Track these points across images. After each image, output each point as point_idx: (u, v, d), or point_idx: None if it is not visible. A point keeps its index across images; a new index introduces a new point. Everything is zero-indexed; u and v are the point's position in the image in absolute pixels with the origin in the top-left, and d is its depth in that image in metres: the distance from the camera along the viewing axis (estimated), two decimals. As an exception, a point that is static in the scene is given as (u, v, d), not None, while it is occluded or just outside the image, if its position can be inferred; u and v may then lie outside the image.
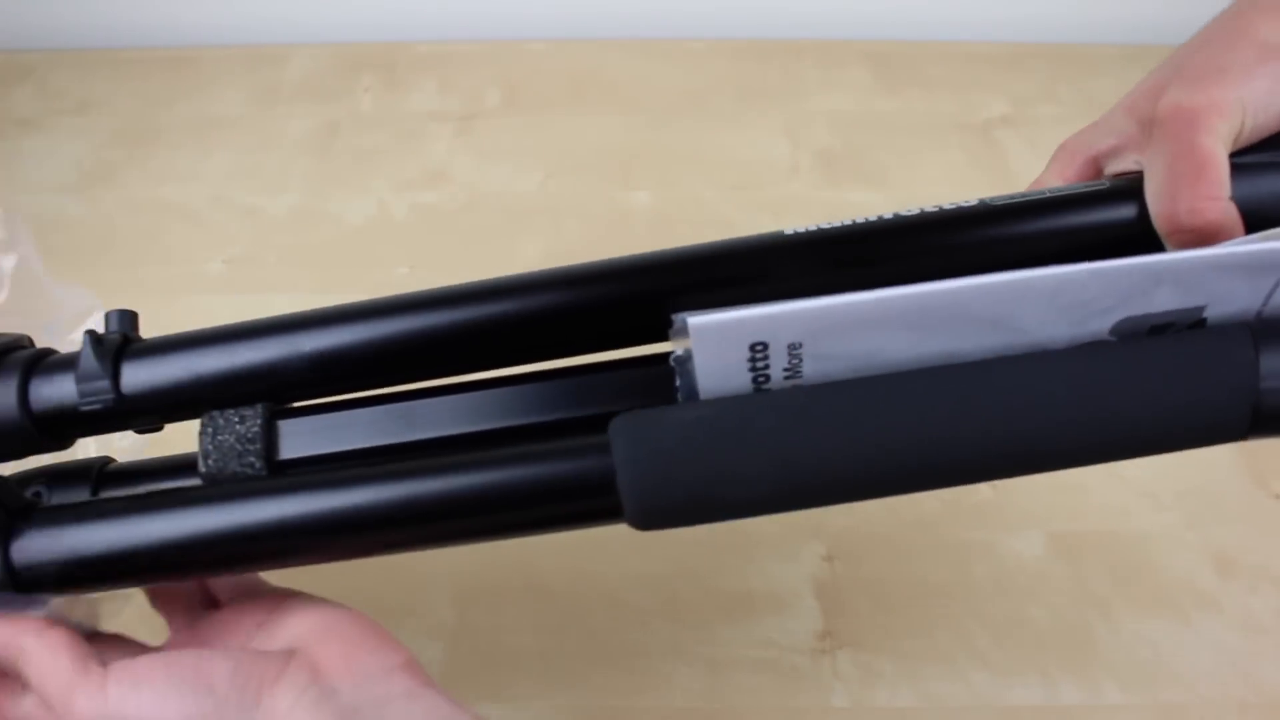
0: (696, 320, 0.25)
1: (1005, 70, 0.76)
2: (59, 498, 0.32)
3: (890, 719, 0.41)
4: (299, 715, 0.26)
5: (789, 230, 0.31)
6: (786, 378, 0.28)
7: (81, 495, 0.33)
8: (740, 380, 0.27)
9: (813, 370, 0.27)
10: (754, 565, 0.46)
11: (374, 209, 0.65)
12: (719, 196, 0.66)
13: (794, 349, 0.27)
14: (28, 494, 0.33)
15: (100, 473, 0.33)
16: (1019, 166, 0.68)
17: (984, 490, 0.48)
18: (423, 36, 0.80)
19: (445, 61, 0.77)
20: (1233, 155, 0.29)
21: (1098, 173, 0.33)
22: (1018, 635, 0.44)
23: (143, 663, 0.28)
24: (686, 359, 0.27)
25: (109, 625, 0.33)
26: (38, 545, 0.29)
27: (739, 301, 0.26)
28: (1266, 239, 0.25)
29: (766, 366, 0.27)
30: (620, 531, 0.49)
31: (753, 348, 0.27)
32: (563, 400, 0.31)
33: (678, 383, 0.28)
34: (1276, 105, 0.28)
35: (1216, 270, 0.26)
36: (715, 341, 0.26)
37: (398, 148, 0.70)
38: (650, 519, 0.27)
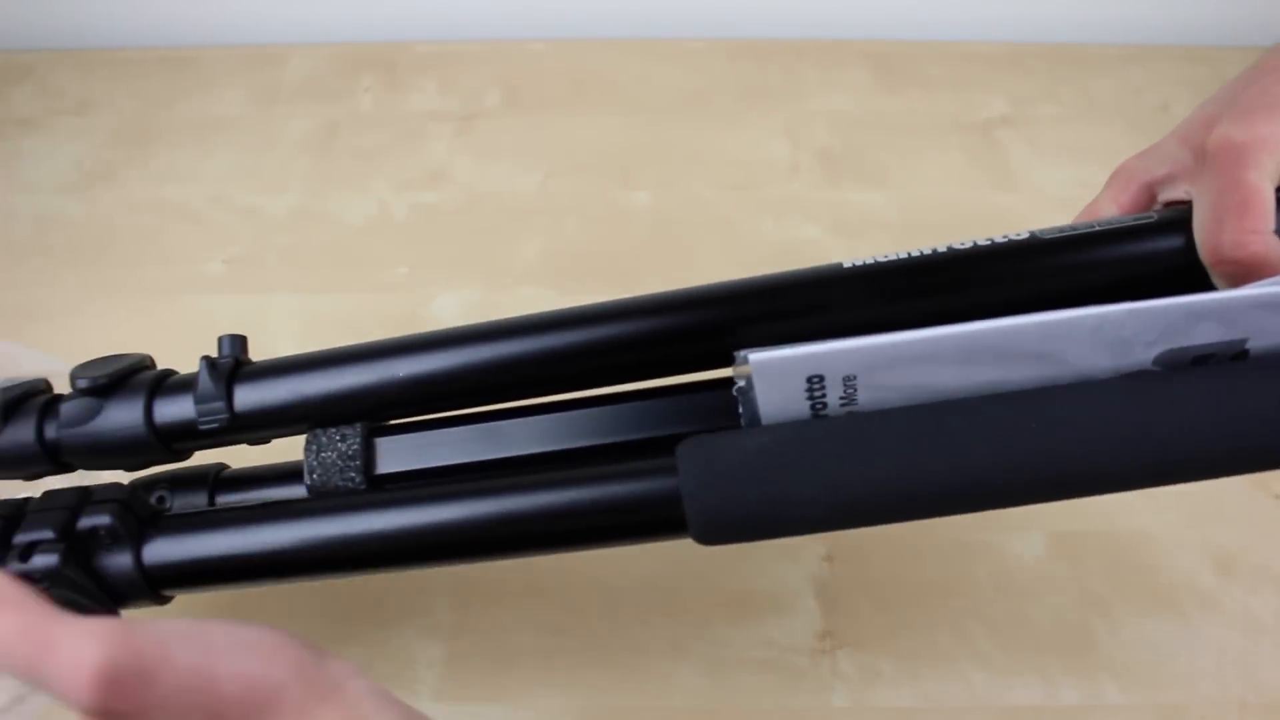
0: (757, 356, 0.27)
1: (1005, 70, 0.76)
2: (180, 501, 0.35)
3: (890, 719, 0.41)
4: (363, 682, 0.24)
5: (847, 263, 0.33)
6: (843, 405, 0.29)
7: (200, 499, 0.36)
8: (799, 408, 0.29)
9: (867, 399, 0.29)
10: (754, 565, 0.46)
11: (374, 209, 0.65)
12: (719, 196, 0.66)
13: (848, 381, 0.28)
14: (153, 497, 0.36)
15: (216, 478, 0.36)
16: (1019, 166, 0.68)
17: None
18: (423, 36, 0.80)
19: (445, 61, 0.77)
20: None
21: (1151, 199, 0.34)
22: (1018, 635, 0.44)
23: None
24: (749, 389, 0.29)
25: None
26: (165, 549, 0.32)
27: (801, 330, 0.30)
28: None
29: (823, 396, 0.29)
30: (620, 531, 0.49)
31: (809, 380, 0.28)
32: (635, 422, 0.34)
33: (740, 409, 0.30)
34: None
35: (1255, 308, 0.27)
36: (774, 375, 0.28)
37: (398, 148, 0.70)
38: (712, 536, 0.30)
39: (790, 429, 0.29)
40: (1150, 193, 0.34)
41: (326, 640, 0.44)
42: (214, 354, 0.35)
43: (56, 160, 0.58)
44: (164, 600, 0.34)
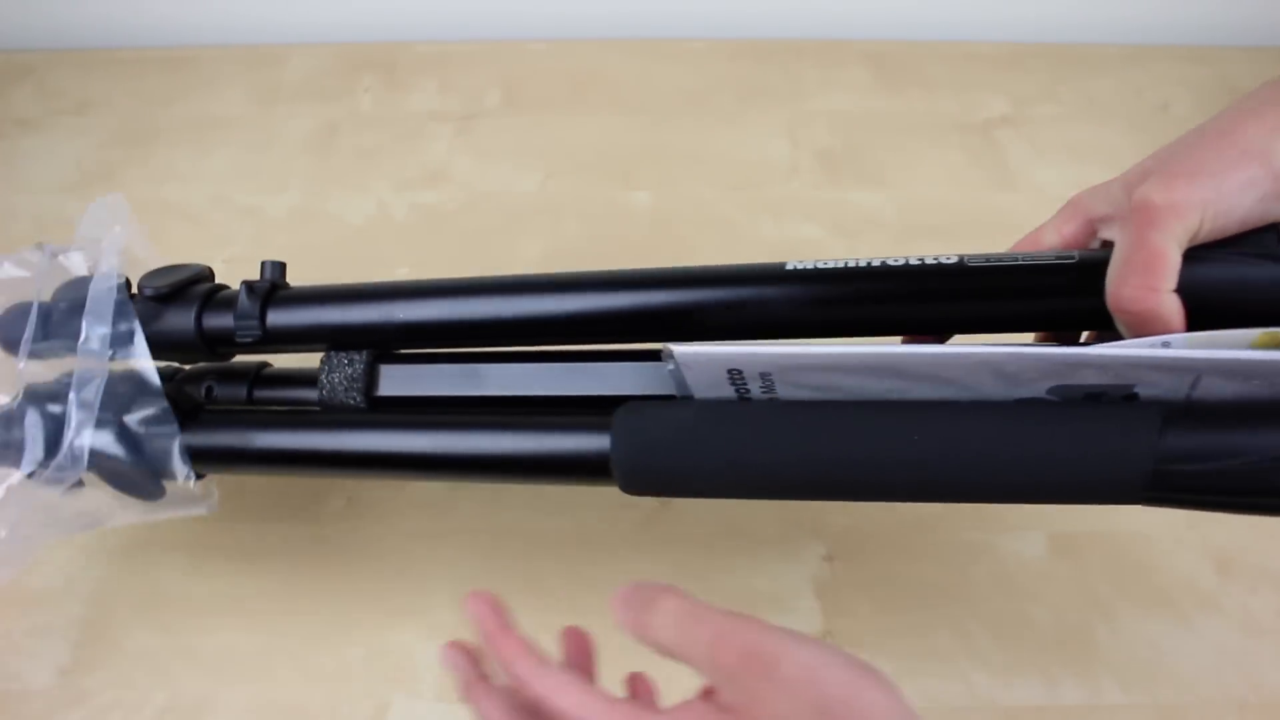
0: (680, 350, 0.32)
1: (1005, 70, 0.76)
2: (225, 391, 0.43)
3: (890, 719, 0.41)
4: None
5: (789, 265, 0.36)
6: (764, 392, 0.33)
7: (240, 391, 0.43)
8: (724, 390, 0.33)
9: (783, 391, 0.33)
10: (755, 565, 0.46)
11: (374, 209, 0.65)
12: (719, 196, 0.66)
13: (765, 376, 0.32)
14: (203, 386, 0.43)
15: (256, 375, 0.43)
16: (1019, 166, 0.68)
17: (984, 490, 0.48)
18: (423, 36, 0.80)
19: (445, 61, 0.78)
20: (1192, 249, 0.31)
21: (1093, 233, 0.36)
22: (1018, 635, 0.44)
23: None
24: (679, 372, 0.33)
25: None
26: (201, 439, 0.40)
27: (743, 319, 0.36)
28: (1188, 344, 0.29)
29: (745, 385, 0.33)
30: (621, 533, 0.49)
31: (730, 372, 0.32)
32: (590, 379, 0.39)
33: (674, 382, 0.34)
34: (1242, 207, 0.31)
35: (1133, 366, 0.29)
36: (698, 366, 0.33)
37: (398, 148, 0.70)
38: (633, 490, 0.36)
39: (707, 412, 0.34)
40: (1092, 228, 0.36)
41: (327, 639, 0.44)
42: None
43: (56, 160, 0.58)
44: (198, 476, 0.41)
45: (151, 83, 0.76)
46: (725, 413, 0.33)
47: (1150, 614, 0.44)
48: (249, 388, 0.43)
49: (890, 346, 0.30)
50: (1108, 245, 0.34)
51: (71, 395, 0.38)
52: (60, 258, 0.42)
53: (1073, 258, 0.34)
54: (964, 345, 0.30)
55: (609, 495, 0.49)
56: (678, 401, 0.35)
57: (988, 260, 0.34)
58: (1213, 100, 0.73)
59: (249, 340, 0.40)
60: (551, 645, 0.44)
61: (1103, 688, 0.42)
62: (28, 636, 0.44)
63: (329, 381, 0.40)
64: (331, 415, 0.40)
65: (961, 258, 0.34)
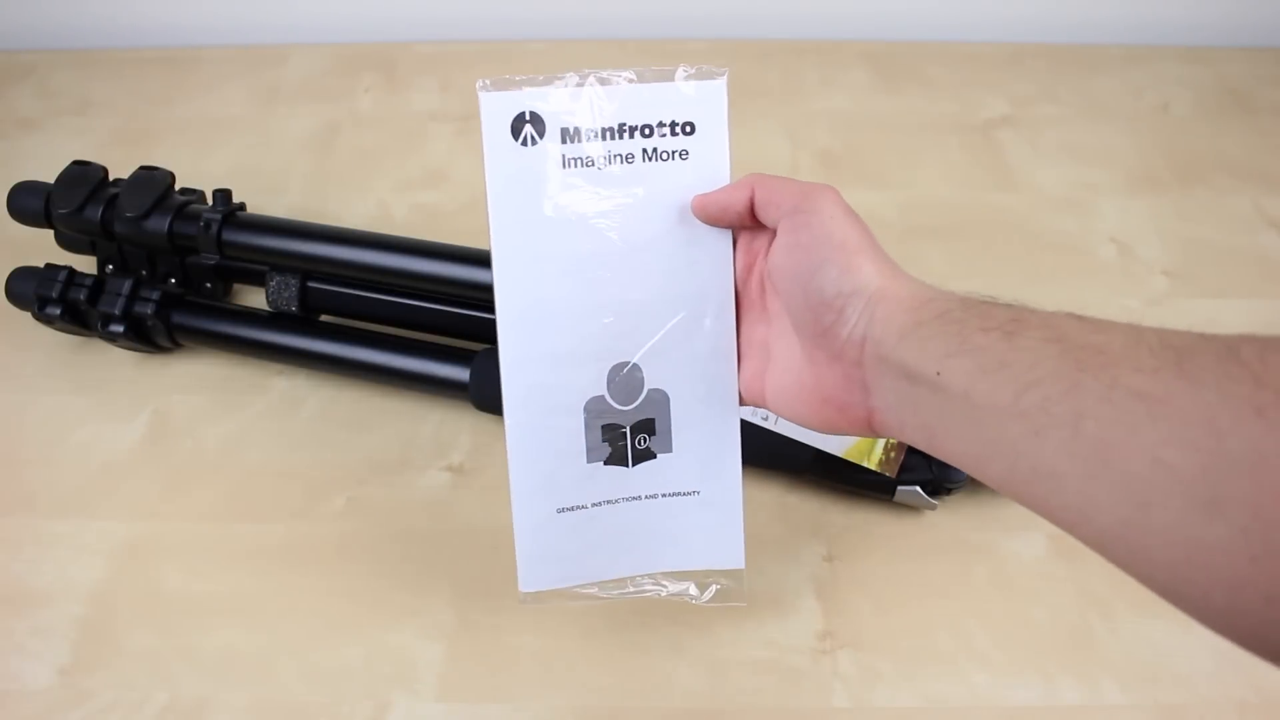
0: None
1: (1005, 70, 0.76)
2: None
3: (890, 719, 0.41)
4: None
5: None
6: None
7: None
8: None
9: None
10: (754, 565, 0.46)
11: (374, 209, 0.65)
12: (719, 196, 0.66)
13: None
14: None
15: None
16: (1019, 166, 0.68)
17: (984, 490, 0.48)
18: (423, 36, 0.80)
19: (445, 61, 0.78)
20: None
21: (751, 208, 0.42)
22: (1018, 635, 0.44)
23: None
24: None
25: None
26: (181, 319, 0.54)
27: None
28: None
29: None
30: (620, 531, 0.48)
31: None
32: (462, 328, 0.53)
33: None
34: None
35: None
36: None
37: (398, 148, 0.70)
38: (481, 407, 0.51)
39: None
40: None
41: (326, 640, 0.44)
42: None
43: (57, 160, 0.58)
44: (179, 345, 0.56)
45: (152, 83, 0.76)
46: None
47: (1150, 614, 0.44)
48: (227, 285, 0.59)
49: None
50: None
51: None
52: None
53: None
54: None
55: (609, 495, 0.50)
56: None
57: None
58: (1213, 100, 0.73)
59: (213, 262, 0.55)
60: (549, 643, 0.44)
61: (1102, 688, 0.42)
62: (28, 636, 0.44)
63: (272, 292, 0.53)
64: (278, 318, 0.54)
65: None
